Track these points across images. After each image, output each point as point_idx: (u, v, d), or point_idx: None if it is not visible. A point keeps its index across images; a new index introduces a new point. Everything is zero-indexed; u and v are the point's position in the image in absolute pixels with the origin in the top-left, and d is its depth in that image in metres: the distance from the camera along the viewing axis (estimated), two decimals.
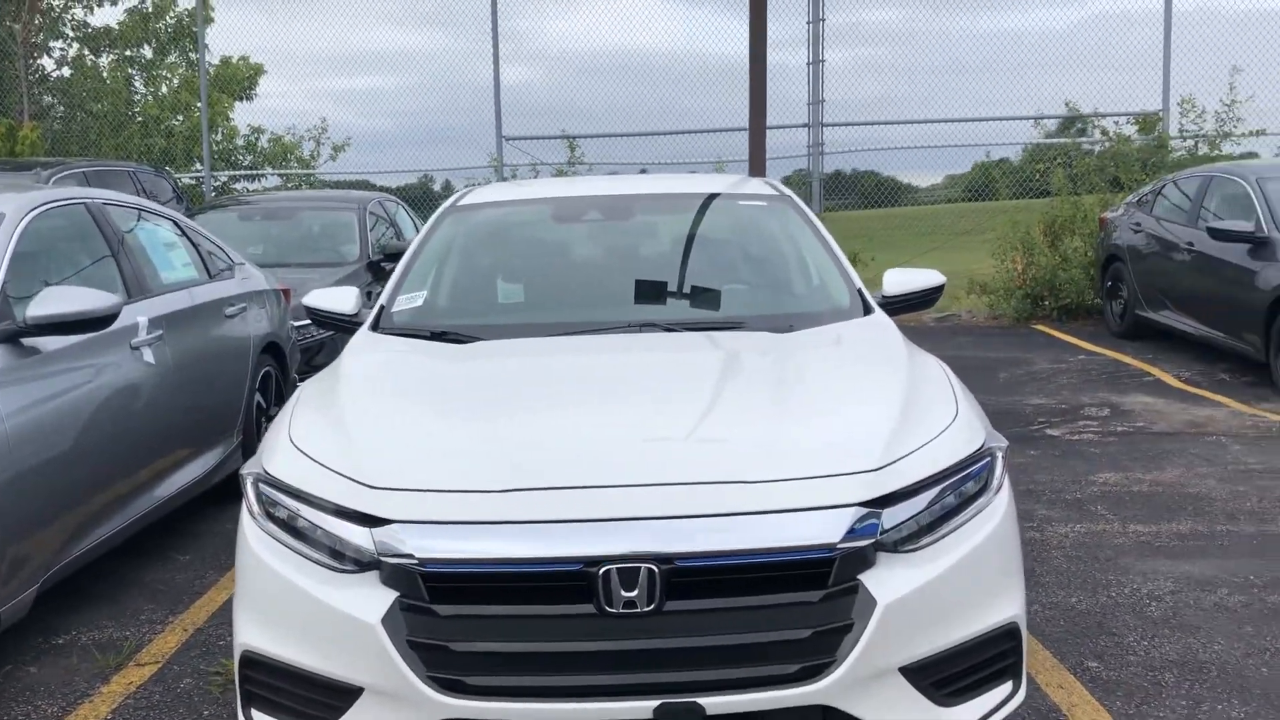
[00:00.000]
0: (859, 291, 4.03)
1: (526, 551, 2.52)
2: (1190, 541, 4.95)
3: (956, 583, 2.72)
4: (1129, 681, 3.67)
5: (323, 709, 2.62)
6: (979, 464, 2.91)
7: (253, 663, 2.75)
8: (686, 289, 4.05)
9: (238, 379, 5.72)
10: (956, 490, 2.83)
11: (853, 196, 13.66)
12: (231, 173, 13.71)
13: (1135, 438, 6.87)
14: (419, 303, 3.96)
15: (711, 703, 2.48)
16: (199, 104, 13.16)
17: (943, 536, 2.75)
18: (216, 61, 14.92)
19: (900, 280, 4.17)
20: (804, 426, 2.84)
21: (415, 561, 2.52)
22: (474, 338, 3.65)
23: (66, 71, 14.74)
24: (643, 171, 13.50)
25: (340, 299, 4.12)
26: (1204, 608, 4.21)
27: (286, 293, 6.94)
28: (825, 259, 4.18)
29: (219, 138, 13.87)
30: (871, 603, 2.57)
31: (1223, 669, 3.73)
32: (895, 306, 4.14)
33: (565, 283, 4.19)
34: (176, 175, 13.55)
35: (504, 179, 12.69)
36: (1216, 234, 8.70)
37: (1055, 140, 12.29)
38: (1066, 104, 12.12)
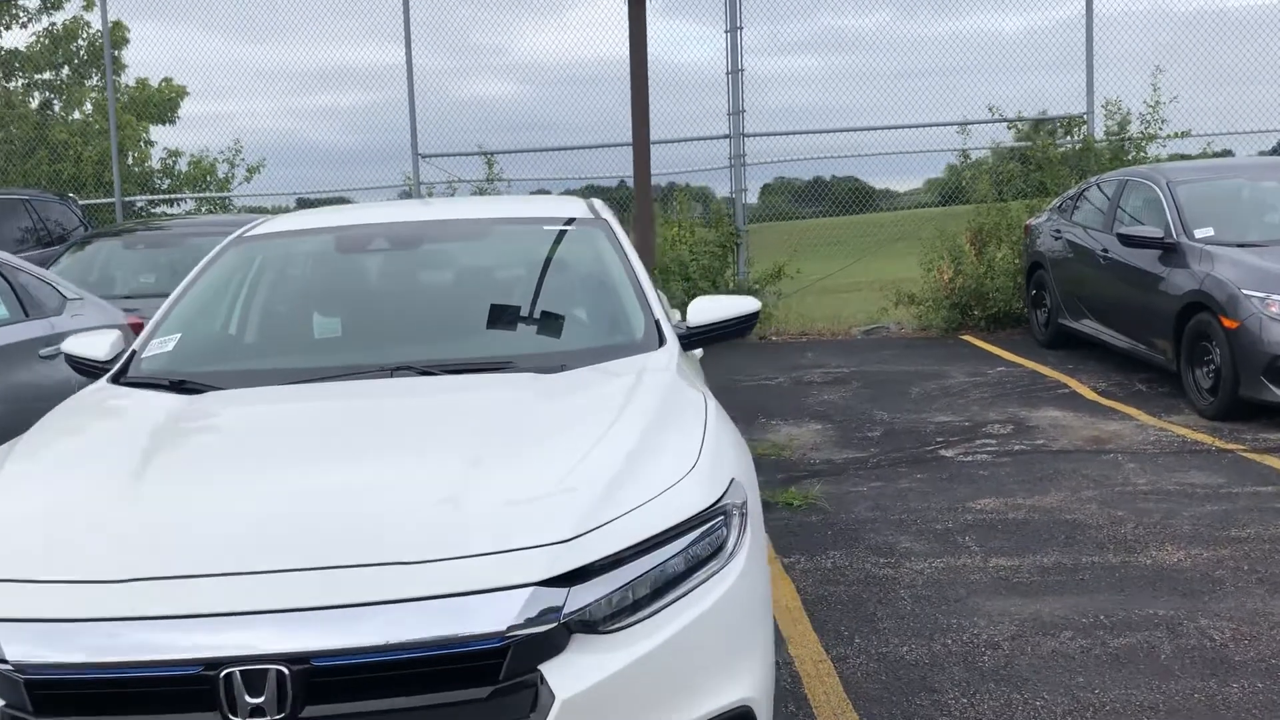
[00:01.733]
0: (656, 323, 3.71)
1: (140, 654, 2.18)
2: (1050, 576, 4.63)
3: (667, 664, 2.40)
4: None
5: None
6: (708, 525, 2.59)
7: None
8: (461, 325, 3.73)
9: None
10: (681, 555, 2.51)
11: (828, 204, 13.36)
12: (148, 197, 13.35)
13: (1031, 457, 6.57)
14: (170, 347, 3.63)
15: None
16: (109, 127, 12.78)
17: (657, 611, 2.43)
18: (132, 84, 14.59)
19: (706, 309, 3.85)
20: (498, 492, 2.51)
21: (11, 668, 2.19)
22: (210, 387, 3.33)
23: None
24: (540, 191, 13.21)
25: (96, 343, 3.78)
26: (1041, 655, 3.89)
27: (137, 326, 6.60)
28: (627, 288, 3.86)
29: (131, 162, 13.51)
30: (551, 698, 2.24)
31: None
32: (702, 337, 3.82)
33: (330, 322, 3.86)
34: (89, 201, 13.20)
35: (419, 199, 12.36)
36: (1127, 240, 8.43)
37: (978, 147, 12.01)
38: (990, 109, 11.84)
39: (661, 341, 3.62)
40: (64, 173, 13.23)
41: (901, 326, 11.82)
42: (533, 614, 2.26)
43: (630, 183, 9.31)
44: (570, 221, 4.24)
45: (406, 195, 12.28)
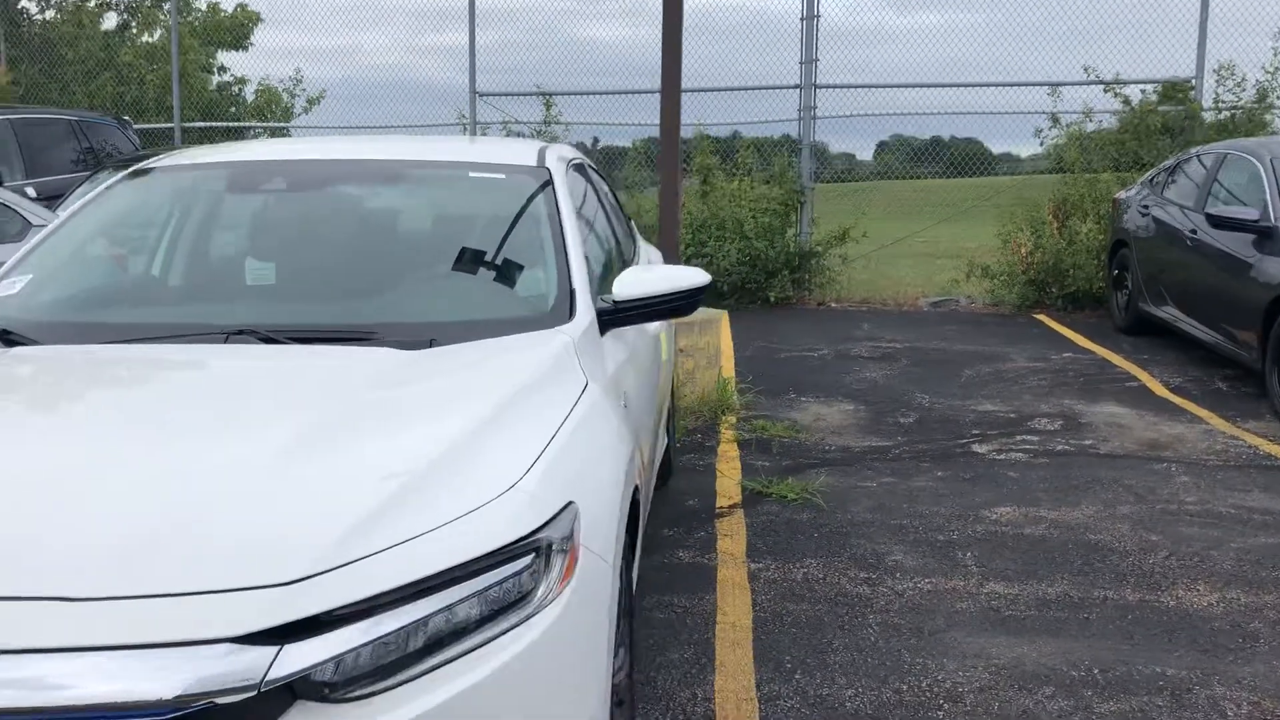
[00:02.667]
0: (571, 293, 3.15)
1: None
2: (1050, 611, 3.97)
3: None
4: None
5: None
6: (510, 565, 2.04)
7: None
8: (334, 285, 3.22)
9: None
10: (464, 603, 1.97)
11: (941, 165, 12.57)
12: (206, 124, 13.12)
13: (1071, 460, 5.84)
14: (17, 289, 3.19)
15: None
16: (172, 49, 12.53)
17: (417, 676, 1.90)
18: (204, 8, 14.37)
19: (637, 281, 3.26)
20: (246, 511, 1.99)
21: None
22: (30, 340, 2.87)
23: (50, 15, 14.27)
24: (594, 142, 12.56)
25: None
26: (1007, 717, 3.26)
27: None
28: (547, 252, 3.29)
29: (195, 89, 13.27)
30: None
31: None
32: (629, 313, 3.24)
33: (190, 270, 3.39)
34: (148, 125, 13.02)
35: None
36: (1217, 221, 7.54)
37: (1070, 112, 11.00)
38: (1085, 69, 10.82)
39: (572, 316, 3.06)
40: (127, 95, 13.07)
41: (972, 301, 11.00)
42: (224, 677, 1.75)
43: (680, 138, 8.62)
44: (506, 170, 3.68)
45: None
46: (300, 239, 3.47)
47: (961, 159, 12.41)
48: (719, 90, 11.67)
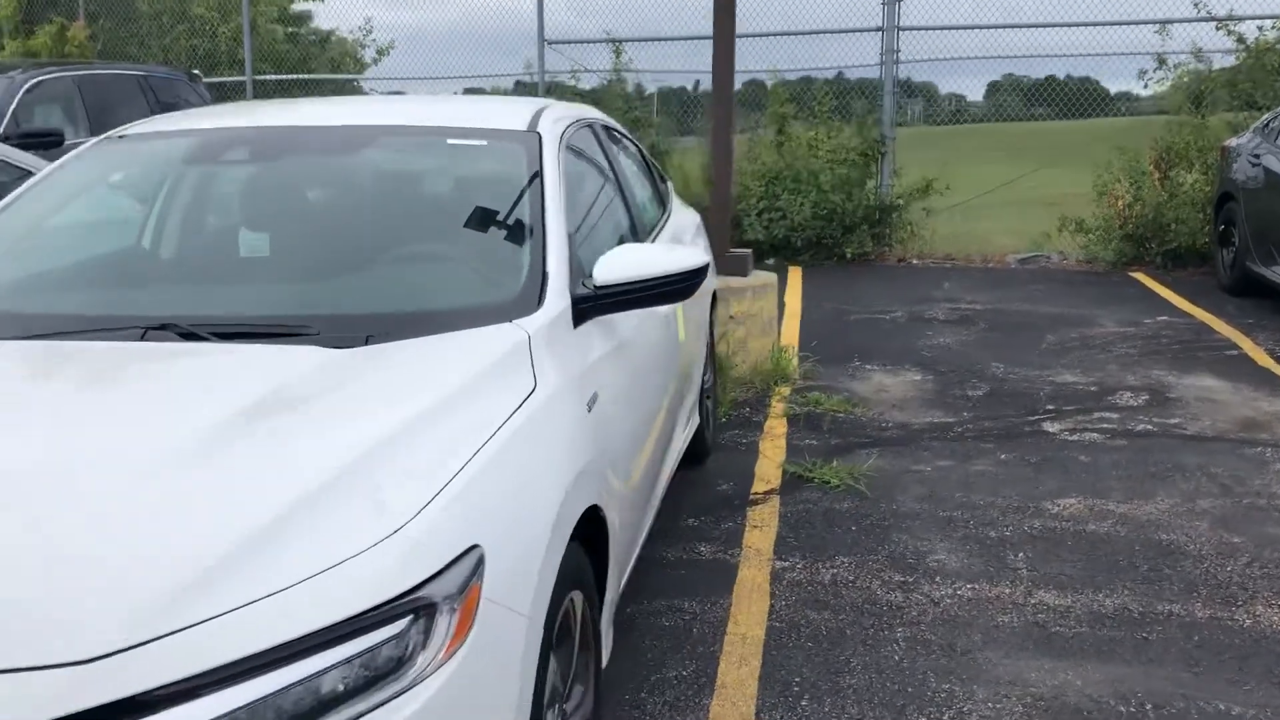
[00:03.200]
0: (544, 277, 2.80)
1: None
2: (1104, 628, 3.53)
3: None
4: None
5: None
6: (384, 628, 1.72)
7: None
8: (276, 270, 2.91)
9: None
10: (322, 677, 1.66)
11: (1054, 106, 11.88)
12: (278, 76, 12.99)
13: (1152, 443, 5.32)
14: None
15: None
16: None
17: None
18: None
19: (623, 263, 2.89)
20: (73, 564, 1.69)
21: None
22: None
23: None
24: (696, 85, 12.00)
25: None
26: None
27: None
28: (521, 230, 2.94)
29: (266, 41, 13.12)
30: None
31: None
32: (612, 301, 2.87)
33: (118, 256, 3.11)
34: (220, 78, 12.94)
35: (541, 88, 11.53)
36: None
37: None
38: (1195, 4, 9.96)
39: (540, 304, 2.72)
40: (200, 49, 13.01)
41: (1065, 257, 10.33)
42: None
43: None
44: (489, 135, 3.33)
45: (519, 86, 11.47)
46: (244, 218, 3.18)
47: (1075, 98, 11.64)
48: (795, 34, 11.09)
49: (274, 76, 13.08)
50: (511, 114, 3.45)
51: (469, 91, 12.40)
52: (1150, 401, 5.98)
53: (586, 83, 11.37)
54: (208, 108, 3.84)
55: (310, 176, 3.28)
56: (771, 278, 6.67)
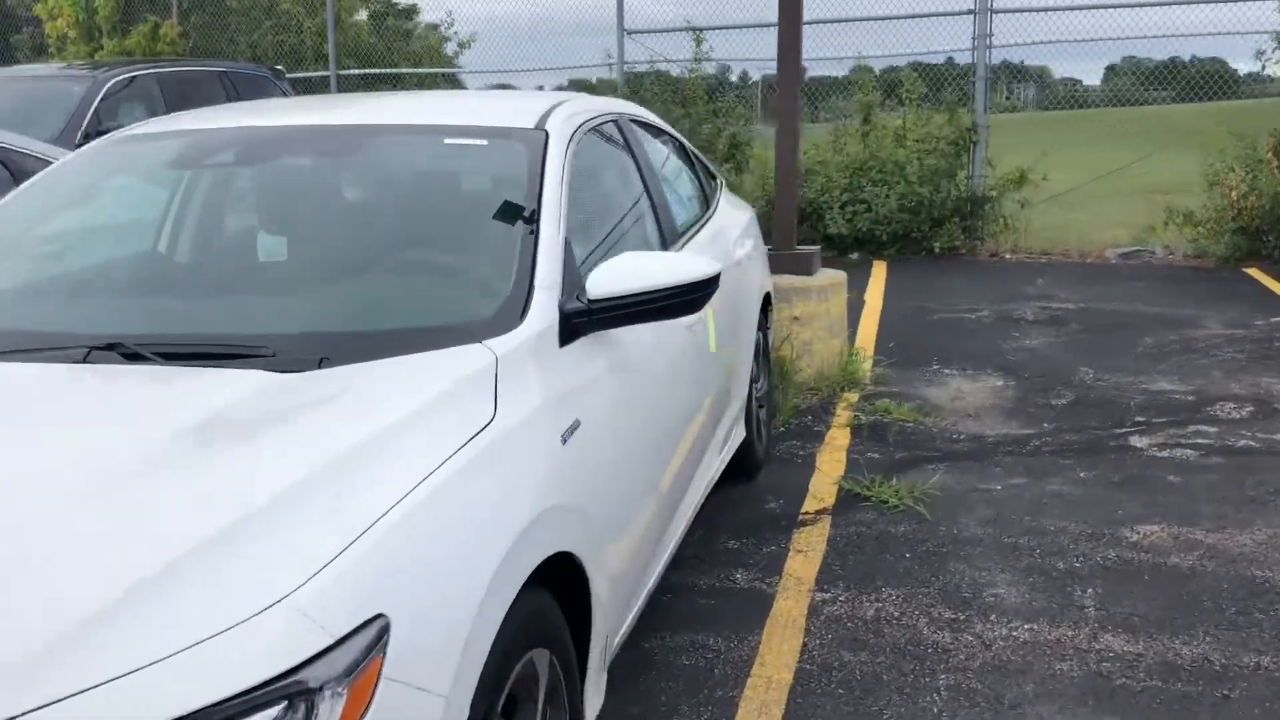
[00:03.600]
0: (530, 291, 2.53)
1: None
2: (1178, 683, 3.13)
3: None
4: None
5: None
6: (253, 716, 1.47)
7: None
8: (238, 283, 2.69)
9: None
10: None
11: (1173, 89, 11.31)
12: (362, 71, 12.97)
13: (1254, 461, 4.83)
14: None
15: None
16: None
17: None
18: None
19: (617, 274, 2.60)
20: None
21: None
22: None
23: None
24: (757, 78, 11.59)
25: None
26: None
27: None
28: (511, 238, 2.67)
29: (351, 36, 13.11)
30: None
31: None
32: (607, 315, 2.59)
33: (80, 269, 2.91)
34: (305, 74, 12.96)
35: (617, 81, 11.28)
36: None
37: None
38: None
39: (521, 321, 2.45)
40: (286, 44, 13.07)
41: (1171, 252, 9.70)
42: None
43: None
44: (492, 134, 3.07)
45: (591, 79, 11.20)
46: (213, 227, 2.97)
47: (1200, 81, 10.96)
48: (882, 19, 10.62)
49: (357, 71, 13.07)
50: (521, 111, 3.18)
51: (564, 86, 12.19)
52: (1255, 414, 5.47)
53: (673, 71, 11.06)
54: (207, 109, 3.64)
55: (285, 182, 3.06)
56: (840, 276, 6.30)
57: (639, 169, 3.63)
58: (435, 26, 13.31)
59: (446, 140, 3.04)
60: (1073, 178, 11.40)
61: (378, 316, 2.50)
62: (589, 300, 2.57)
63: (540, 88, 12.81)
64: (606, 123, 3.53)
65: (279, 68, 11.99)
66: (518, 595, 1.96)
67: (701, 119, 10.47)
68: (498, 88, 12.93)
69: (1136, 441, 5.14)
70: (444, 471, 1.91)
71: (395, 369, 2.23)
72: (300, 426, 2.01)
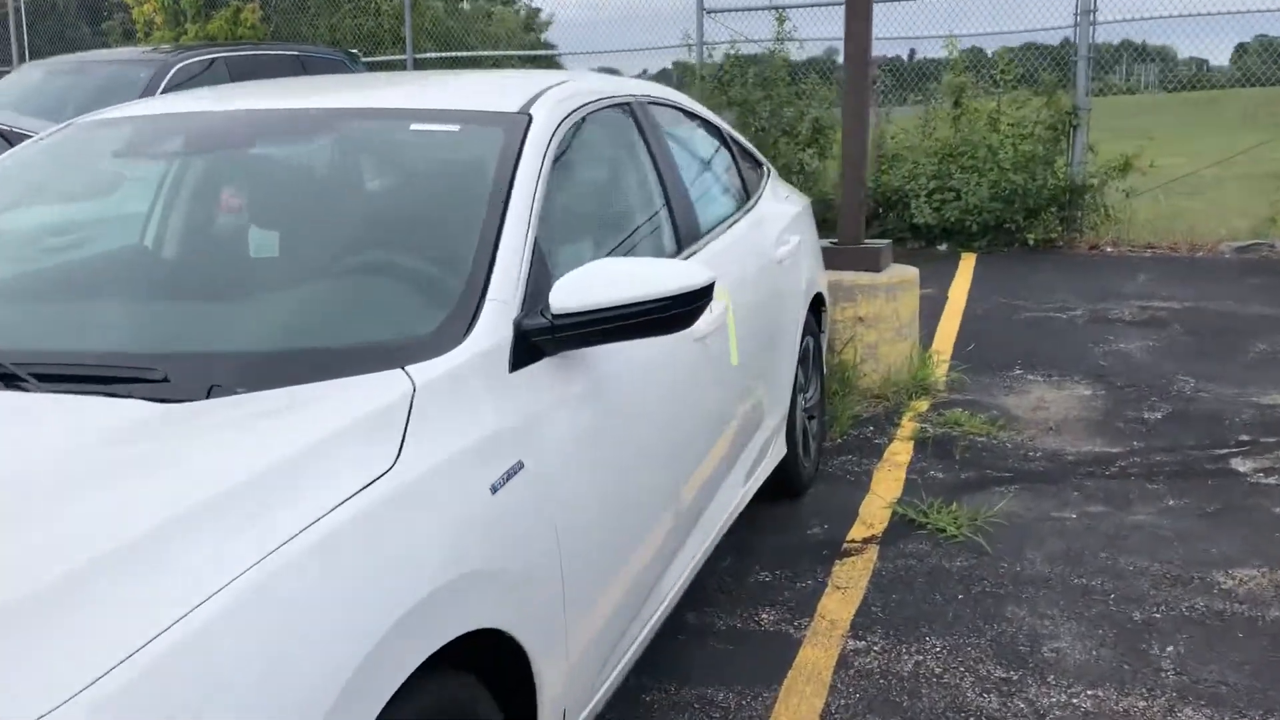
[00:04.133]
0: (479, 304, 2.16)
1: None
2: None
3: None
4: None
5: None
6: None
7: None
8: (136, 292, 2.36)
9: None
10: None
11: None
12: (440, 54, 12.73)
13: None
14: None
15: None
16: None
17: None
18: None
19: (586, 285, 2.20)
20: None
21: None
22: None
23: None
24: (911, 55, 10.95)
25: None
26: None
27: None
28: (469, 242, 2.29)
29: (428, 18, 12.87)
30: None
31: None
32: (574, 333, 2.20)
33: (19, 273, 2.61)
34: (382, 58, 12.79)
35: (699, 63, 10.83)
36: None
37: None
38: None
39: (465, 339, 2.08)
40: (363, 27, 12.92)
41: None
42: None
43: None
44: (466, 119, 2.69)
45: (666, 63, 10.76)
46: (126, 228, 2.65)
47: None
48: None
49: (434, 54, 12.84)
50: (509, 93, 2.80)
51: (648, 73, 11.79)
52: None
53: (747, 50, 10.56)
54: (187, 92, 3.32)
55: (212, 177, 2.72)
56: (911, 273, 5.80)
57: (653, 159, 3.23)
58: (514, 8, 13.01)
59: (413, 126, 2.67)
60: (1187, 163, 10.60)
61: (290, 334, 2.15)
62: (552, 315, 2.19)
63: (643, 72, 12.42)
64: (613, 107, 3.12)
65: (354, 51, 11.82)
66: (412, 689, 1.59)
67: (783, 101, 9.98)
68: (602, 71, 12.57)
69: (1239, 465, 4.56)
70: (306, 538, 1.55)
71: (291, 401, 1.87)
72: (153, 479, 1.66)
